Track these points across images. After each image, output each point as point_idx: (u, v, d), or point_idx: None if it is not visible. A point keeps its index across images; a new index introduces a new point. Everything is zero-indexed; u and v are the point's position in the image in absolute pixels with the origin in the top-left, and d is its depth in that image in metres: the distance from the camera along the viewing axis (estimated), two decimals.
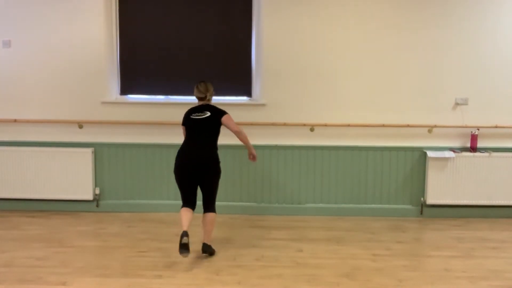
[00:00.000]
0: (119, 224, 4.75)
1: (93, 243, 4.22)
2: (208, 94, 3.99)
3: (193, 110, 4.00)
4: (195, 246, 4.13)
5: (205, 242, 3.90)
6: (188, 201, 3.91)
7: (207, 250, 3.89)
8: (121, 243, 4.21)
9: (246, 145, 4.08)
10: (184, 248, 3.60)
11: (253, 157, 4.13)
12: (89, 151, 5.05)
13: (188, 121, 3.96)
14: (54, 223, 4.77)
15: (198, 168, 3.85)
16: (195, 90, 4.02)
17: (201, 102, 4.03)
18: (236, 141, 5.04)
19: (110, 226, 4.69)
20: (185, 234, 3.66)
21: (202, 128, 3.91)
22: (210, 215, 3.90)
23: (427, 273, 3.66)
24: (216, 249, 4.05)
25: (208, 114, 3.92)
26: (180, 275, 3.55)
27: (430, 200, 5.05)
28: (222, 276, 3.55)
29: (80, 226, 4.67)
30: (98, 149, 5.11)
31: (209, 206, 3.92)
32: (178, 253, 3.71)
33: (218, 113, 3.95)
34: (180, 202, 4.02)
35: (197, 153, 3.87)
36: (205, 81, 4.06)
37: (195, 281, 3.46)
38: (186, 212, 3.85)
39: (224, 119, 3.93)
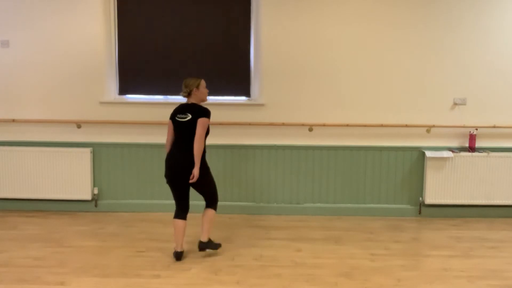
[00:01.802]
0: (118, 224, 4.75)
1: (92, 243, 4.22)
2: (189, 90, 3.83)
3: (179, 110, 3.87)
4: (193, 245, 4.14)
5: (201, 240, 3.92)
6: (180, 206, 3.88)
7: (203, 248, 3.91)
8: (120, 243, 4.21)
9: (195, 158, 3.72)
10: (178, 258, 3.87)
11: (193, 176, 3.72)
12: (87, 151, 5.04)
13: (174, 122, 3.86)
14: (53, 223, 4.76)
15: (179, 173, 3.78)
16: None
17: (188, 99, 3.88)
18: (234, 141, 5.08)
19: (109, 226, 4.68)
20: (178, 256, 3.84)
21: (185, 131, 3.79)
22: (208, 212, 3.90)
23: (425, 272, 3.67)
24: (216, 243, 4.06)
25: (189, 117, 3.76)
26: (178, 275, 3.55)
27: (428, 200, 5.06)
28: (220, 275, 3.55)
29: (79, 226, 4.67)
30: (97, 149, 5.10)
31: (208, 203, 3.93)
32: None
33: (197, 115, 3.77)
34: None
35: (178, 159, 3.79)
36: (189, 77, 3.90)
37: (193, 280, 3.46)
38: (177, 226, 3.84)
39: (198, 121, 3.74)
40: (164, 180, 5.06)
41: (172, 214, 4.97)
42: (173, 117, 3.88)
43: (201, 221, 3.93)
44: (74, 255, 3.92)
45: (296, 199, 5.16)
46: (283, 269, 3.69)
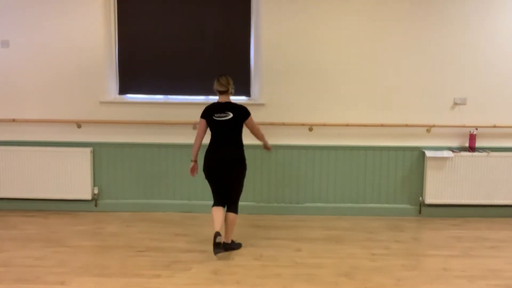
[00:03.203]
0: (118, 224, 4.75)
1: (92, 243, 4.22)
2: (230, 87, 3.94)
3: (215, 109, 3.93)
4: (194, 245, 4.14)
5: (225, 241, 3.97)
6: (218, 199, 4.01)
7: (228, 249, 3.99)
8: (120, 243, 4.21)
9: (263, 141, 4.18)
10: (218, 247, 3.77)
11: (267, 148, 4.25)
12: (87, 150, 5.04)
13: (211, 122, 3.93)
14: (53, 222, 4.76)
15: (225, 168, 3.91)
16: (216, 84, 3.94)
17: (222, 97, 3.96)
18: None
19: (109, 226, 4.68)
20: (218, 234, 3.78)
21: (227, 129, 3.91)
22: (231, 215, 3.97)
23: (425, 272, 3.67)
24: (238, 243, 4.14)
25: (231, 115, 3.88)
26: (178, 275, 3.55)
27: (428, 200, 5.06)
28: (220, 275, 3.55)
29: (79, 226, 4.67)
30: (97, 149, 5.10)
31: (231, 206, 3.99)
32: (177, 252, 3.94)
33: (241, 114, 3.92)
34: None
35: (225, 153, 3.91)
36: (225, 74, 3.98)
37: (193, 280, 3.46)
38: (217, 212, 3.94)
39: (248, 122, 3.95)
40: (165, 178, 5.12)
41: (173, 213, 5.06)
42: (208, 116, 3.92)
43: (224, 223, 3.97)
44: (74, 255, 3.92)
45: (296, 199, 5.16)
46: (283, 269, 3.68)
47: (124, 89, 5.20)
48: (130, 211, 5.13)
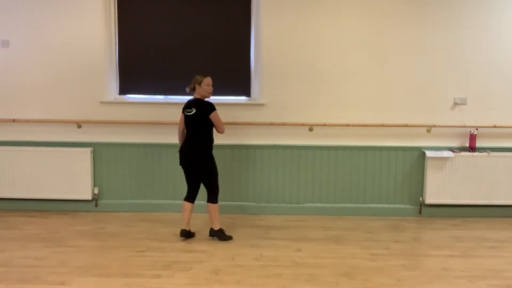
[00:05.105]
0: (118, 224, 4.75)
1: (92, 243, 4.22)
2: (192, 85, 4.24)
3: (187, 104, 4.30)
4: (196, 245, 4.14)
5: (212, 227, 4.32)
6: (189, 190, 4.31)
7: (212, 235, 4.31)
8: (120, 243, 4.21)
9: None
10: (182, 234, 4.31)
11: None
12: (88, 150, 5.05)
13: (184, 116, 4.27)
14: (53, 222, 4.76)
15: (190, 160, 4.21)
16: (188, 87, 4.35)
17: (194, 94, 4.28)
18: (234, 141, 5.09)
19: (109, 226, 4.68)
20: (182, 233, 4.29)
21: (191, 123, 4.21)
22: (208, 206, 4.27)
23: (425, 272, 3.67)
24: (220, 241, 4.26)
25: (194, 111, 4.17)
26: (179, 275, 3.55)
27: (428, 200, 5.06)
28: (221, 275, 3.55)
29: (79, 226, 4.67)
30: (97, 149, 5.11)
31: (208, 196, 4.28)
32: (177, 252, 4.00)
33: (204, 110, 4.17)
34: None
35: (188, 147, 4.22)
36: (200, 73, 4.31)
37: (194, 280, 3.46)
38: (186, 207, 4.29)
39: (211, 116, 4.17)
40: (165, 178, 5.14)
41: (173, 213, 5.06)
42: (183, 111, 4.29)
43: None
44: (74, 255, 3.92)
45: (296, 199, 5.16)
46: (284, 269, 3.68)
47: (124, 89, 5.20)
48: (130, 211, 5.14)
